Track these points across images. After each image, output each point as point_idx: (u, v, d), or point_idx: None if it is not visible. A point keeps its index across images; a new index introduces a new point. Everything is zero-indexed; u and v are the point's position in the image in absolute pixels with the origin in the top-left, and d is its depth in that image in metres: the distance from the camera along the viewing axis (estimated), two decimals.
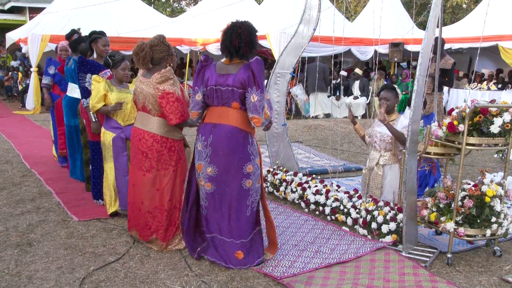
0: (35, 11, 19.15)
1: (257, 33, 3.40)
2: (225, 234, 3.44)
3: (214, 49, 13.17)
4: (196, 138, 3.52)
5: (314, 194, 4.71)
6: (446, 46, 8.48)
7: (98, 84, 4.38)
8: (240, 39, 3.28)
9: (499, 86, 12.18)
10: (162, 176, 3.74)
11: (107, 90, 4.37)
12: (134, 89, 3.85)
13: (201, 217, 3.61)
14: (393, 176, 4.39)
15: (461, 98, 11.42)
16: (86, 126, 4.92)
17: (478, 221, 3.53)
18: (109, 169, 4.44)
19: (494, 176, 5.40)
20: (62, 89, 6.11)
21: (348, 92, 12.97)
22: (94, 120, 4.63)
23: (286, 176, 5.20)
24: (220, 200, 3.43)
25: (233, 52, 3.33)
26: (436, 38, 5.51)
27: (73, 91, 5.46)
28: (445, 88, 8.85)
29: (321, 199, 4.63)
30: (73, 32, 5.90)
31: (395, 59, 13.29)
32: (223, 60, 3.46)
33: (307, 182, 4.99)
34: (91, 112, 4.58)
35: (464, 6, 21.95)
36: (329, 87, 12.79)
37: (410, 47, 12.19)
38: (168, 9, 27.36)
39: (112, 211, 4.47)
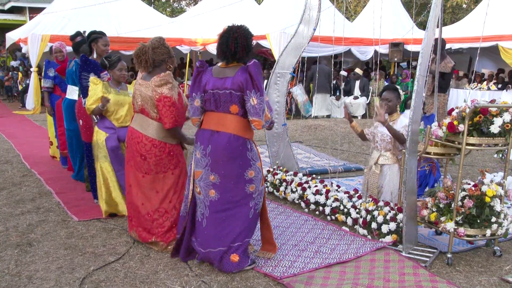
0: (35, 11, 19.17)
1: (252, 37, 3.40)
2: (221, 244, 3.37)
3: (214, 49, 13.16)
4: (194, 145, 3.51)
5: (314, 194, 4.71)
6: (446, 46, 8.48)
7: (95, 86, 4.38)
8: (237, 43, 3.27)
9: (499, 86, 12.18)
10: (161, 178, 3.73)
11: (104, 92, 4.37)
12: (133, 91, 3.84)
13: (195, 227, 3.53)
14: (392, 176, 4.39)
15: (461, 98, 11.43)
16: (82, 127, 4.91)
17: (478, 221, 3.53)
18: (100, 168, 4.44)
19: (494, 176, 5.40)
20: (62, 90, 6.11)
21: (349, 92, 13.00)
22: (96, 121, 4.63)
23: (286, 176, 5.20)
24: (223, 206, 3.39)
25: (229, 56, 3.32)
26: (436, 39, 5.51)
27: (73, 93, 5.46)
28: None
29: (321, 199, 4.63)
30: (78, 34, 5.89)
31: (395, 59, 13.30)
32: (219, 64, 3.45)
33: (307, 182, 4.99)
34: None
35: (464, 6, 21.95)
36: (331, 89, 12.86)
37: (410, 47, 12.20)
38: (168, 9, 27.37)
39: (109, 212, 4.46)
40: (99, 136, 4.40)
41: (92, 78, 4.46)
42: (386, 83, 12.36)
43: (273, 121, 3.52)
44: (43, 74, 6.59)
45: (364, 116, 12.47)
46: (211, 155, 3.34)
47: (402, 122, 4.32)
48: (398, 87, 4.55)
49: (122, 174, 4.37)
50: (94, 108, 4.36)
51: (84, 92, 4.78)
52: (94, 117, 4.61)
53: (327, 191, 4.66)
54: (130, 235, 3.97)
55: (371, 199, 4.23)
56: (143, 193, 3.77)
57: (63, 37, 10.21)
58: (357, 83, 12.89)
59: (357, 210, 4.21)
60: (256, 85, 3.24)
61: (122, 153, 4.40)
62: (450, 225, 3.53)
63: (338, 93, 13.05)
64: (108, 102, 4.33)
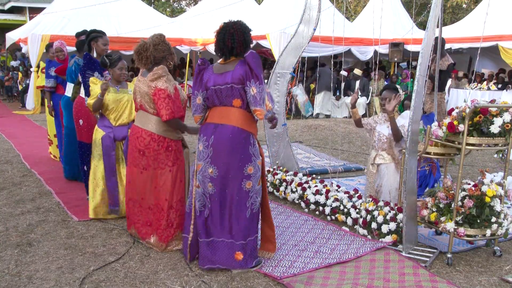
0: (35, 11, 19.18)
1: (250, 32, 3.39)
2: (225, 235, 3.41)
3: None
4: (198, 138, 3.52)
5: (314, 194, 4.71)
6: (446, 46, 8.48)
7: (95, 86, 4.40)
8: (233, 39, 3.28)
9: (499, 86, 12.17)
10: (159, 175, 3.74)
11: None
12: (133, 89, 3.87)
13: (200, 221, 3.54)
14: (389, 175, 4.41)
15: (461, 98, 11.42)
16: (81, 128, 4.89)
17: (478, 221, 3.53)
18: (93, 167, 4.45)
19: (494, 176, 5.40)
20: (65, 89, 6.10)
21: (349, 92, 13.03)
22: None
23: (286, 176, 5.20)
24: (220, 201, 3.42)
25: (227, 53, 3.33)
26: (436, 38, 5.51)
27: (70, 91, 5.45)
28: (446, 88, 8.85)
29: (321, 199, 4.63)
30: (84, 32, 5.88)
31: (395, 59, 13.29)
32: (219, 61, 3.46)
33: (307, 182, 4.99)
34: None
35: (464, 6, 21.94)
36: (332, 90, 12.90)
37: (410, 47, 12.20)
38: (168, 9, 27.36)
39: (95, 215, 4.43)
40: (98, 134, 4.42)
41: (92, 78, 4.49)
42: (386, 83, 12.37)
43: (276, 118, 3.47)
44: (40, 73, 6.56)
45: (364, 116, 12.43)
46: (213, 146, 3.35)
47: (399, 122, 4.34)
48: (398, 86, 4.56)
49: (111, 177, 4.38)
50: (93, 102, 4.37)
51: (87, 90, 4.77)
52: (97, 115, 4.62)
53: (327, 191, 4.66)
54: (129, 233, 3.98)
55: (371, 199, 4.23)
56: (142, 188, 3.78)
57: (63, 37, 10.20)
58: (357, 83, 12.89)
59: (357, 210, 4.21)
60: (254, 75, 3.26)
61: (115, 155, 4.40)
62: (450, 225, 3.53)
63: (338, 93, 13.06)
64: (107, 86, 4.31)
